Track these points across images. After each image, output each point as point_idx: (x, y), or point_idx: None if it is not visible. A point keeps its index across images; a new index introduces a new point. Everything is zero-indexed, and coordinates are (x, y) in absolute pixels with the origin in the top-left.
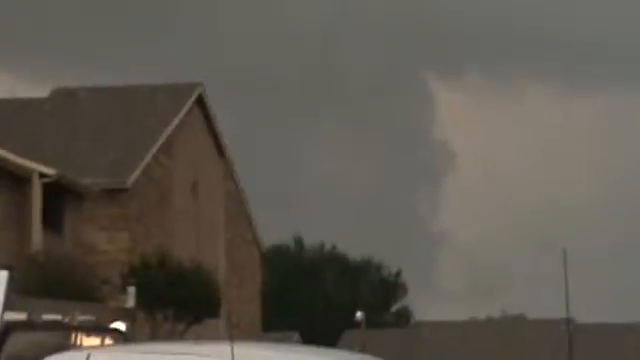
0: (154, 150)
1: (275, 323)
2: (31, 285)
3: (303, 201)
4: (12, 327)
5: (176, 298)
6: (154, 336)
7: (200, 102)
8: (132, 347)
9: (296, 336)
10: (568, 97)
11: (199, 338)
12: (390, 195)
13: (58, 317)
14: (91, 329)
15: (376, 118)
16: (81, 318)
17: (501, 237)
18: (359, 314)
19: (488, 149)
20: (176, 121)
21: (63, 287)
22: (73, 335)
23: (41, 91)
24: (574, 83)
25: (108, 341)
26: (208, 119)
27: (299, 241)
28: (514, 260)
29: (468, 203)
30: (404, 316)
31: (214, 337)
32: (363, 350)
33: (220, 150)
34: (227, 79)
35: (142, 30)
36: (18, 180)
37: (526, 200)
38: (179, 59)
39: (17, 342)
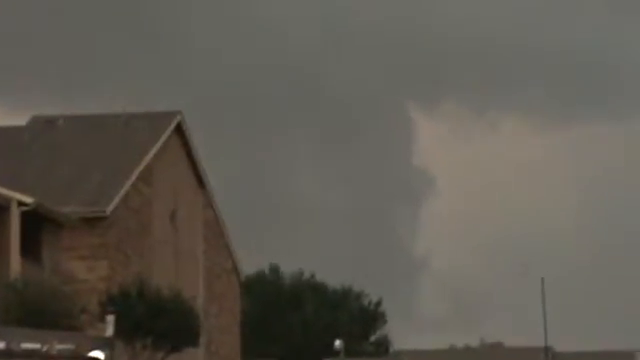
0: (133, 178)
1: (254, 352)
2: (10, 314)
3: (282, 227)
4: None
5: (155, 327)
6: None
7: (179, 130)
8: None
9: None
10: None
11: None
12: (369, 221)
13: (37, 346)
14: (70, 358)
15: (356, 144)
16: (60, 347)
17: (480, 264)
18: (338, 343)
19: (467, 176)
20: (155, 149)
21: (42, 316)
22: None
23: (19, 119)
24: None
25: None
26: (187, 147)
27: (276, 269)
28: (492, 287)
29: (447, 229)
30: (383, 345)
31: None
32: None
33: (199, 179)
34: (207, 107)
35: (120, 56)
36: None
37: (505, 227)
38: (157, 85)
39: None
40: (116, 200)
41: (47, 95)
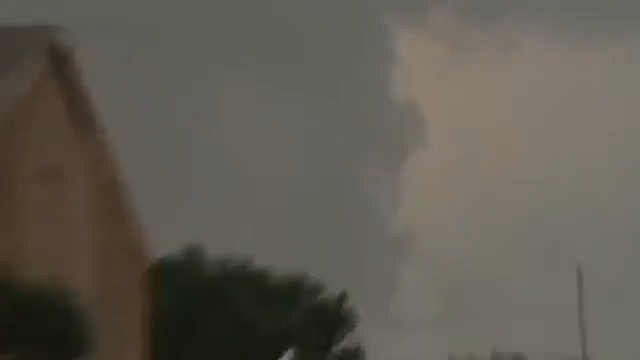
0: None
1: None
2: None
3: (208, 196)
4: None
5: (25, 332)
6: None
7: (56, 53)
8: None
9: None
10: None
11: None
12: (329, 187)
13: None
14: None
15: (319, 75)
16: None
17: (486, 245)
18: (289, 353)
19: (469, 117)
20: (24, 80)
21: None
22: None
23: None
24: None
25: None
26: (72, 80)
27: (197, 251)
28: (506, 276)
29: (439, 196)
30: (354, 356)
31: None
32: None
33: (90, 125)
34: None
35: None
36: None
37: (520, 190)
38: None
39: None
40: None
41: None
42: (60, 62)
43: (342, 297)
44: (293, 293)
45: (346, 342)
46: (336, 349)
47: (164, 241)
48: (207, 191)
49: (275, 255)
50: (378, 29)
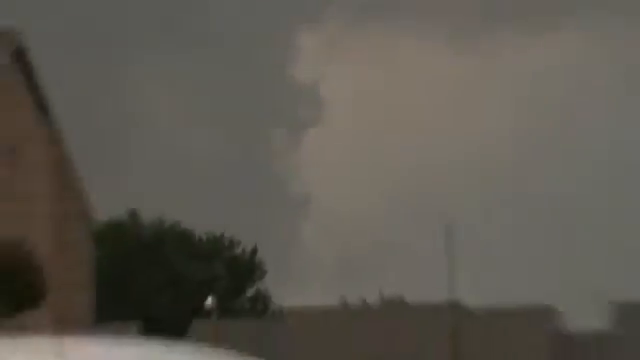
0: None
1: (111, 312)
2: None
3: (141, 166)
4: None
5: None
6: None
7: (17, 52)
8: None
9: (135, 326)
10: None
11: (21, 332)
12: (241, 154)
13: None
14: None
15: (229, 55)
16: None
17: (376, 206)
18: (209, 300)
19: (361, 102)
20: None
21: None
22: None
23: None
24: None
25: None
26: (27, 72)
27: (134, 215)
28: (391, 233)
29: (337, 162)
30: (261, 301)
31: (38, 331)
32: (216, 343)
33: (43, 107)
34: (50, 23)
35: None
36: None
37: (408, 161)
38: None
39: None
40: None
41: None
42: (19, 59)
43: (254, 251)
44: (215, 248)
45: (256, 289)
46: (249, 294)
47: (106, 206)
48: (139, 162)
49: (199, 216)
50: (281, 25)
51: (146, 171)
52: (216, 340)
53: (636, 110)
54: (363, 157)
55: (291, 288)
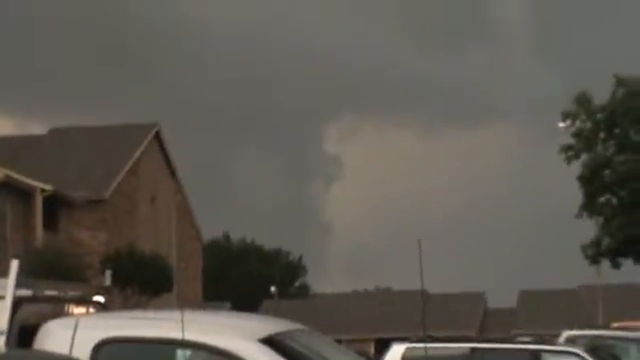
0: (124, 172)
1: (212, 297)
2: (35, 270)
3: (231, 206)
4: (21, 300)
5: (140, 279)
6: (125, 307)
7: (157, 137)
8: (109, 314)
9: (228, 305)
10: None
11: (158, 308)
12: (294, 200)
13: (55, 293)
14: (79, 301)
15: (286, 145)
16: (72, 293)
17: (376, 228)
18: (273, 288)
19: (370, 165)
20: (140, 150)
21: (59, 271)
22: (66, 306)
23: (42, 129)
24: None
25: (91, 310)
26: (163, 149)
27: (227, 236)
28: (384, 247)
29: (351, 202)
30: (305, 289)
31: (169, 307)
32: (277, 315)
33: (172, 172)
34: (180, 116)
35: (118, 79)
36: (25, 194)
37: (394, 203)
38: (144, 100)
39: (25, 312)
40: (112, 187)
41: (59, 111)
42: (159, 141)
43: (300, 258)
44: (275, 256)
45: (301, 282)
46: (297, 284)
47: (211, 231)
48: (231, 204)
49: (267, 236)
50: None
51: (236, 209)
52: (277, 314)
53: None
54: (368, 200)
55: (322, 281)
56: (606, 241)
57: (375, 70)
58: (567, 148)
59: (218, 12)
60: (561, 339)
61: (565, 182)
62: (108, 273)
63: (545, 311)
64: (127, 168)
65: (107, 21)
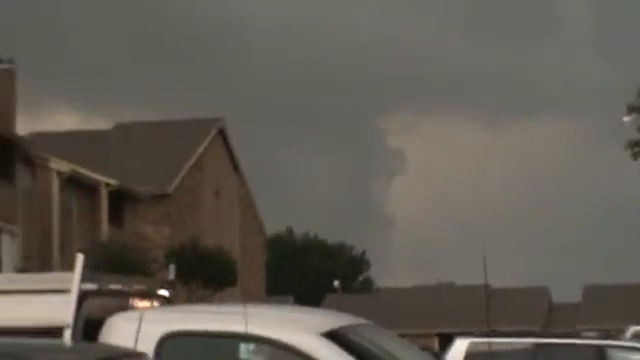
0: (188, 166)
1: (276, 291)
2: (101, 264)
3: (294, 201)
4: (86, 294)
5: (204, 273)
6: (189, 300)
7: (221, 132)
8: (173, 307)
9: (291, 299)
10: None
11: (222, 302)
12: (357, 194)
13: (119, 287)
14: (143, 295)
15: (348, 140)
16: (136, 287)
17: (437, 224)
18: (336, 283)
19: (431, 159)
20: (204, 145)
21: (124, 265)
22: (131, 300)
23: (107, 124)
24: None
25: (156, 304)
26: (226, 144)
27: (290, 231)
28: (447, 241)
29: (412, 196)
30: (368, 284)
31: (232, 301)
32: (340, 310)
33: (236, 166)
34: (243, 111)
35: (181, 74)
36: (91, 189)
37: (457, 197)
38: (207, 96)
39: (90, 305)
40: (176, 182)
41: (125, 106)
42: (222, 136)
43: (363, 252)
44: (339, 251)
45: (365, 276)
46: (361, 279)
47: (274, 225)
48: (293, 199)
49: (331, 231)
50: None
51: (300, 203)
52: (340, 308)
53: None
54: (431, 193)
55: (385, 275)
56: None
57: (435, 63)
58: (634, 144)
59: (275, 9)
60: (627, 334)
61: (631, 176)
62: (172, 267)
63: (610, 306)
64: (191, 163)
65: (172, 22)
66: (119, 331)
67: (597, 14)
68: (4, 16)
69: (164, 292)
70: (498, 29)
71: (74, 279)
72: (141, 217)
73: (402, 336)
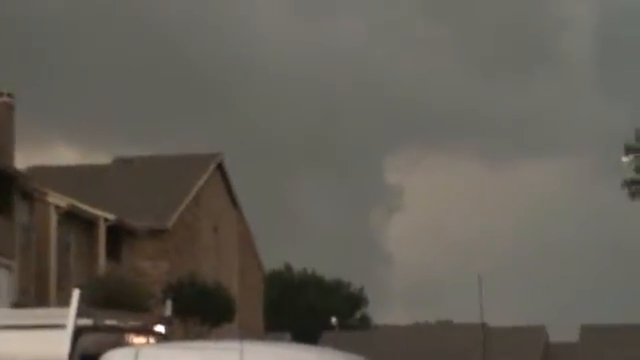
0: (187, 202)
1: (273, 327)
2: (97, 299)
3: (293, 237)
4: (82, 330)
5: (202, 308)
6: (186, 337)
7: (220, 167)
8: (170, 344)
9: (288, 336)
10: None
11: (219, 338)
12: (355, 230)
13: (115, 322)
14: (139, 331)
15: (349, 176)
16: (132, 323)
17: (436, 261)
18: (333, 319)
19: (430, 197)
20: (202, 180)
21: (121, 300)
22: (126, 336)
23: (106, 159)
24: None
25: (152, 340)
26: (225, 179)
27: (289, 267)
28: (445, 279)
29: (410, 233)
30: (366, 321)
31: (230, 337)
32: (337, 347)
33: (234, 202)
34: (242, 147)
35: (180, 109)
36: (89, 223)
37: (454, 232)
38: (206, 131)
39: (86, 341)
40: (174, 217)
41: (122, 142)
42: (221, 171)
43: (361, 289)
44: (336, 287)
45: (362, 313)
46: (358, 316)
47: (272, 261)
48: (292, 235)
49: (327, 267)
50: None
51: (298, 239)
52: (337, 346)
53: None
54: (430, 231)
55: (383, 312)
56: None
57: (440, 101)
58: (630, 183)
59: (280, 43)
60: None
61: (629, 216)
62: (169, 303)
63: (609, 346)
64: (190, 198)
65: (169, 54)
66: None
67: (602, 54)
68: (3, 50)
69: (160, 328)
70: (503, 69)
71: (70, 314)
72: (139, 252)
73: None
